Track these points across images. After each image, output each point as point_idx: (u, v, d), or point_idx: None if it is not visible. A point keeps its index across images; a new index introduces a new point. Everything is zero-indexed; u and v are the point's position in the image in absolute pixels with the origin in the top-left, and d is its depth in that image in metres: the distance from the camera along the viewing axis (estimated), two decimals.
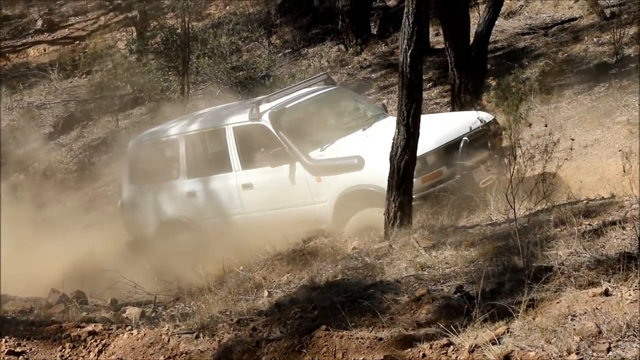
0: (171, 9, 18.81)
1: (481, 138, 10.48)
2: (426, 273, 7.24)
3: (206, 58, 16.84)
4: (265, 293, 7.82)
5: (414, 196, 9.55)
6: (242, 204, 10.98)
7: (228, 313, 7.32)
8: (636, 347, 5.22)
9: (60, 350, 7.16)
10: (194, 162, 11.47)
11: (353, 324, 6.54)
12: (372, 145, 10.30)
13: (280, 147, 10.62)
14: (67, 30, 21.99)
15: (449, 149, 10.25)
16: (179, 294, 8.57)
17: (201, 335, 6.87)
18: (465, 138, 10.29)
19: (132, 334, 7.07)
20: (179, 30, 16.65)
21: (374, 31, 18.57)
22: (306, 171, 10.52)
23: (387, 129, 10.65)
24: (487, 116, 10.75)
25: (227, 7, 20.51)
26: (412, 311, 6.57)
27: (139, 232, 11.91)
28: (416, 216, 9.00)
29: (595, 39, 15.23)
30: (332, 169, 10.34)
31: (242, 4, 20.07)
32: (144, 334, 7.00)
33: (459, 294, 6.64)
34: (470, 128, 10.22)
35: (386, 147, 8.96)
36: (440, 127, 10.62)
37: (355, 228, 9.86)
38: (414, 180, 9.69)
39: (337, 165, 10.35)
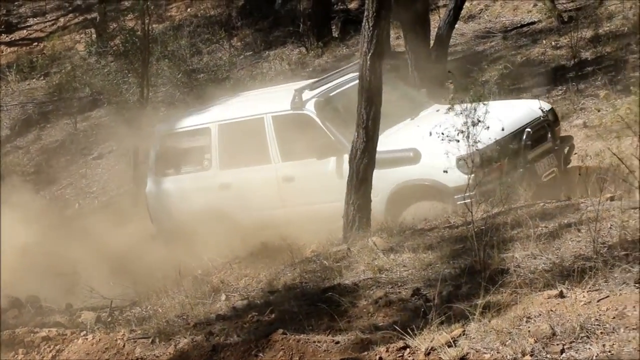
0: (131, 11, 18.66)
1: (542, 129, 9.98)
2: (384, 276, 7.24)
3: (166, 60, 16.75)
4: (223, 297, 7.78)
5: (474, 191, 9.01)
6: (281, 197, 10.47)
7: (185, 317, 7.28)
8: (589, 348, 5.25)
9: (13, 356, 7.07)
10: (228, 152, 10.91)
11: (310, 327, 6.54)
12: (426, 136, 9.32)
13: (327, 138, 10.13)
14: (25, 31, 21.77)
15: (511, 141, 9.67)
16: (136, 297, 8.51)
17: (157, 340, 6.82)
18: (529, 129, 9.75)
19: (86, 339, 7.00)
20: (138, 32, 16.53)
21: (335, 34, 18.58)
22: None
23: (435, 118, 10.06)
24: (546, 105, 10.27)
25: (189, 9, 20.42)
26: (370, 314, 6.58)
27: (165, 225, 11.43)
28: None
29: (553, 42, 15.34)
30: (385, 162, 9.59)
31: (203, 6, 20.00)
32: (99, 339, 6.94)
33: (416, 296, 6.65)
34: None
35: (438, 141, 8.67)
36: (500, 118, 9.83)
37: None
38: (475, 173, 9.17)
39: (391, 158, 9.73)
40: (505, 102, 11.09)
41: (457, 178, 8.96)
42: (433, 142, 8.78)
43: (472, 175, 9.09)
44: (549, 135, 10.05)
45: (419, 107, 10.76)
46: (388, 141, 9.89)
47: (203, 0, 19.93)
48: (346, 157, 9.78)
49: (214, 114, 11.37)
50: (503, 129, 9.45)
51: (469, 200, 9.03)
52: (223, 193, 10.83)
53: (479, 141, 8.63)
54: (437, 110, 10.21)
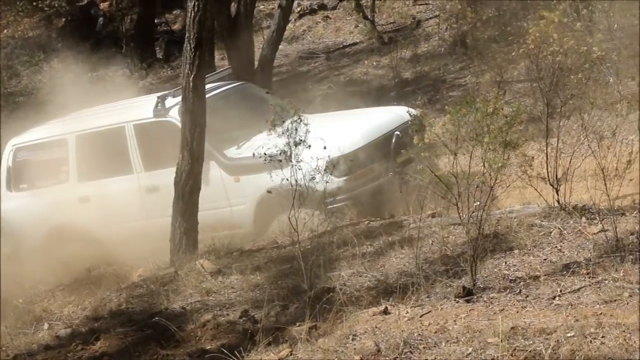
0: None
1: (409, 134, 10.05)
2: (212, 298, 7.21)
3: None
4: (46, 326, 7.55)
5: (344, 195, 9.08)
6: (145, 208, 10.04)
7: (4, 349, 7.02)
8: None
9: None
10: (86, 164, 10.46)
11: (137, 354, 6.45)
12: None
13: None
14: None
15: (380, 145, 9.62)
16: None
17: None
18: (398, 133, 9.65)
19: None
20: None
21: (160, 55, 18.46)
22: (222, 171, 9.73)
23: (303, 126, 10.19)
24: (413, 111, 10.27)
25: (5, 31, 19.82)
26: (198, 338, 6.53)
27: (20, 242, 10.78)
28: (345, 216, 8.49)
29: (374, 62, 15.72)
30: (254, 167, 9.28)
31: (20, 27, 19.45)
32: None
33: (244, 318, 6.65)
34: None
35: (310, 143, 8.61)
36: (369, 121, 10.07)
37: (279, 232, 9.00)
38: (346, 178, 9.20)
39: (260, 163, 9.65)
40: (373, 109, 11.22)
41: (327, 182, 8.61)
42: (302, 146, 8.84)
43: (343, 178, 9.18)
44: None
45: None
46: (255, 147, 9.76)
47: (20, 21, 19.38)
48: (212, 163, 9.74)
49: (71, 124, 10.95)
50: (369, 134, 9.55)
51: (341, 204, 9.08)
52: (82, 206, 10.41)
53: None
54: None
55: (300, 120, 7.23)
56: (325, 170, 8.42)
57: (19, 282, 8.93)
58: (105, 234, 10.08)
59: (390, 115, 10.25)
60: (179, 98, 10.25)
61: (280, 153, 7.37)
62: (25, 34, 19.40)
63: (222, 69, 12.20)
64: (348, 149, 9.34)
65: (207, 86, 10.75)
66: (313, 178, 7.42)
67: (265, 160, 7.58)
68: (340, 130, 9.78)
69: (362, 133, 9.72)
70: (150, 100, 10.52)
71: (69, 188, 10.62)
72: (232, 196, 9.76)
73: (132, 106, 11.03)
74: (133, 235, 9.88)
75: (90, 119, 11.00)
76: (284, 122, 8.95)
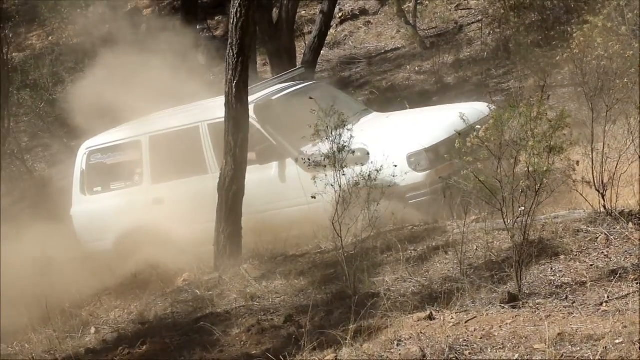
0: None
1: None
2: (256, 303, 7.23)
3: (28, 90, 16.34)
4: (93, 330, 7.64)
5: (425, 190, 9.02)
6: None
7: (53, 352, 7.11)
8: None
9: None
10: (161, 165, 10.45)
11: (182, 358, 6.50)
12: (371, 138, 9.17)
13: (268, 143, 9.68)
14: None
15: (462, 138, 9.59)
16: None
17: None
18: (479, 126, 9.58)
19: None
20: None
21: (202, 61, 18.52)
22: (299, 168, 9.51)
23: (378, 123, 10.11)
24: (494, 107, 9.70)
25: (50, 38, 20.04)
26: (242, 343, 6.56)
27: (94, 245, 10.78)
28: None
29: (417, 67, 15.70)
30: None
31: (65, 34, 19.63)
32: None
33: (288, 323, 6.67)
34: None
35: (386, 140, 8.48)
36: (449, 116, 9.76)
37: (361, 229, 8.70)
38: (428, 172, 9.12)
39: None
40: (452, 105, 11.09)
41: (408, 176, 8.79)
42: (382, 142, 8.71)
43: (424, 173, 9.06)
44: None
45: (360, 114, 10.52)
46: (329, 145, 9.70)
47: (64, 28, 19.57)
48: (289, 161, 9.69)
49: (145, 126, 10.88)
50: (450, 128, 9.15)
51: (421, 199, 9.00)
52: (156, 208, 10.35)
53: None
54: (377, 117, 10.37)
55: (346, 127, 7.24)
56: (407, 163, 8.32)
57: (87, 286, 8.98)
58: (180, 235, 9.95)
59: (470, 111, 10.03)
60: (255, 95, 10.12)
61: (327, 157, 7.37)
62: (69, 41, 19.57)
63: (296, 68, 12.13)
64: (428, 143, 9.26)
65: (282, 85, 10.76)
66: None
67: (309, 165, 7.59)
68: (420, 125, 9.74)
69: (442, 127, 9.51)
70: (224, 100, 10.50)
71: (143, 190, 10.58)
72: (309, 193, 9.36)
73: (206, 106, 10.93)
74: (208, 236, 9.52)
75: (163, 120, 10.93)
76: (354, 123, 8.98)
